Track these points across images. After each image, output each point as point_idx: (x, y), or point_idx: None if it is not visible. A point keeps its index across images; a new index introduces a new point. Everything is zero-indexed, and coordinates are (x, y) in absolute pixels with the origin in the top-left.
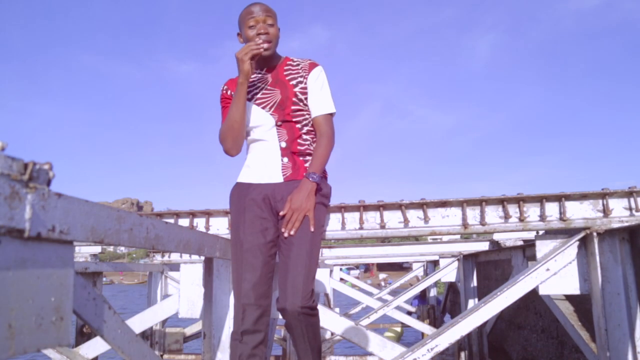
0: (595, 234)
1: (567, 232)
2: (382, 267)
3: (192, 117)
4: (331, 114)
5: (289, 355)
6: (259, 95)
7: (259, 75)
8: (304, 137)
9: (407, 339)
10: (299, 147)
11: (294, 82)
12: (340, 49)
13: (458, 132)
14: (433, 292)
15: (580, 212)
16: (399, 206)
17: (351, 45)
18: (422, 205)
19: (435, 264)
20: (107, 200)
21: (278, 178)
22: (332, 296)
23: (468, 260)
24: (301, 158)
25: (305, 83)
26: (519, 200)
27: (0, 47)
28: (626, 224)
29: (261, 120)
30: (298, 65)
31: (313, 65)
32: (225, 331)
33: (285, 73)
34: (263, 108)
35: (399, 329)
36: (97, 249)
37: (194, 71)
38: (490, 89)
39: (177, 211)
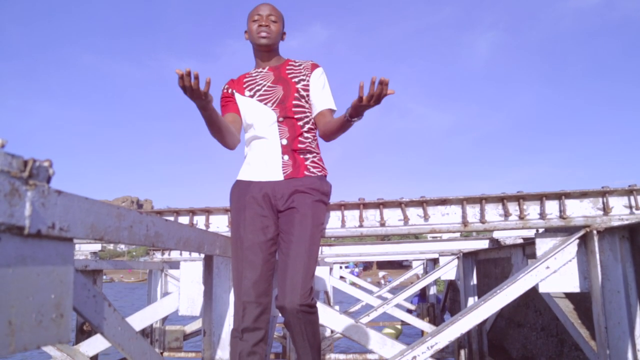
0: (595, 232)
1: (567, 230)
2: (381, 265)
3: (192, 115)
4: (333, 111)
5: (289, 353)
6: (261, 92)
7: (262, 72)
8: (305, 135)
9: (407, 337)
10: (299, 145)
11: (296, 79)
12: (339, 48)
13: (458, 131)
14: (433, 290)
15: (580, 210)
16: (398, 204)
17: (350, 44)
18: (422, 203)
19: (435, 262)
20: (107, 199)
21: (278, 176)
22: (331, 294)
23: (468, 259)
24: (302, 156)
25: (308, 81)
26: (519, 198)
27: (0, 45)
28: (626, 222)
29: (263, 116)
30: (300, 65)
31: (315, 66)
32: (225, 329)
33: (287, 71)
34: (265, 104)
35: (399, 326)
36: (97, 247)
37: (194, 69)
38: (490, 87)
39: (177, 209)
